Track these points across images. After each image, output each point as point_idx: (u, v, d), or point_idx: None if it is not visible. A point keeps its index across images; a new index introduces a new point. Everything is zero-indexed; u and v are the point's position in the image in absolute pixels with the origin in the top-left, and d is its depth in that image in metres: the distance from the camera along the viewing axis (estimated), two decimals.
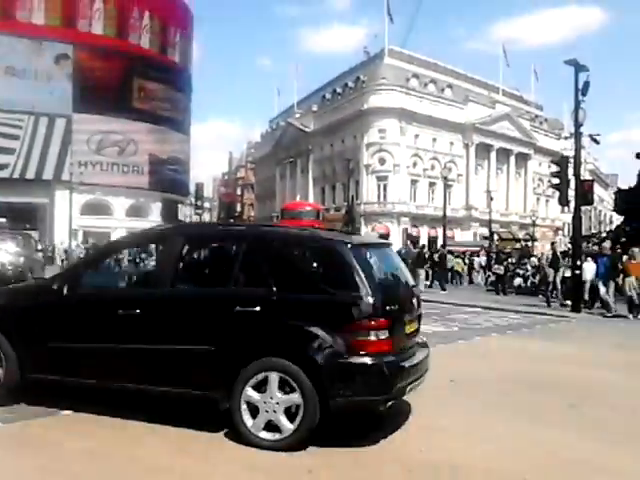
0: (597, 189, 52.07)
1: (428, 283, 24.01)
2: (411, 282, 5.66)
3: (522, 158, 67.90)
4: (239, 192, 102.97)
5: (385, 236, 52.06)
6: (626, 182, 46.55)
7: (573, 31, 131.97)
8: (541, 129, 73.05)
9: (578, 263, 16.22)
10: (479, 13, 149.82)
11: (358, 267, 4.51)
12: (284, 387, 4.41)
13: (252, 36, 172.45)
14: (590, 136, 22.71)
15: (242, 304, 4.61)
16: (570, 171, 17.04)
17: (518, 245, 43.08)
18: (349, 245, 4.70)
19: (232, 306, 4.62)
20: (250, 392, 4.46)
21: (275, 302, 4.55)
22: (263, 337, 4.55)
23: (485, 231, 53.23)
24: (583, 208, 17.94)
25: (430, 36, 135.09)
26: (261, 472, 4.13)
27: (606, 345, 10.86)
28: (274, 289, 4.57)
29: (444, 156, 59.91)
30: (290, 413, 4.41)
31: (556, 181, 17.33)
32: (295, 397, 4.37)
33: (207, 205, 65.02)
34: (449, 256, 27.65)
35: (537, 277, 22.31)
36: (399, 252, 28.25)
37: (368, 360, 4.38)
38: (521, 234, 59.47)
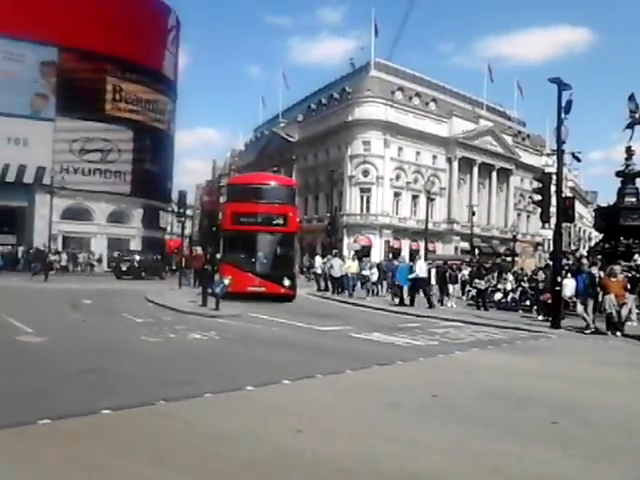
0: (577, 206, 52.73)
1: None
2: None
3: (504, 173, 68.53)
4: (222, 200, 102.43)
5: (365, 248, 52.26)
6: (606, 200, 47.23)
7: (560, 50, 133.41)
8: (523, 145, 73.86)
9: (558, 279, 16.34)
10: (468, 29, 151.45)
11: None
12: None
13: (242, 44, 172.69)
14: (572, 154, 22.93)
15: None
16: (552, 188, 17.19)
17: (498, 260, 43.31)
18: None
19: None
20: None
21: None
22: None
23: (466, 245, 53.59)
24: (563, 224, 18.06)
25: (419, 50, 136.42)
26: None
27: (586, 361, 10.94)
28: None
29: (427, 169, 60.38)
30: None
31: (538, 197, 17.43)
32: None
33: (189, 213, 64.52)
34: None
35: (518, 292, 22.47)
36: (379, 265, 28.43)
37: None
38: (502, 249, 59.92)
